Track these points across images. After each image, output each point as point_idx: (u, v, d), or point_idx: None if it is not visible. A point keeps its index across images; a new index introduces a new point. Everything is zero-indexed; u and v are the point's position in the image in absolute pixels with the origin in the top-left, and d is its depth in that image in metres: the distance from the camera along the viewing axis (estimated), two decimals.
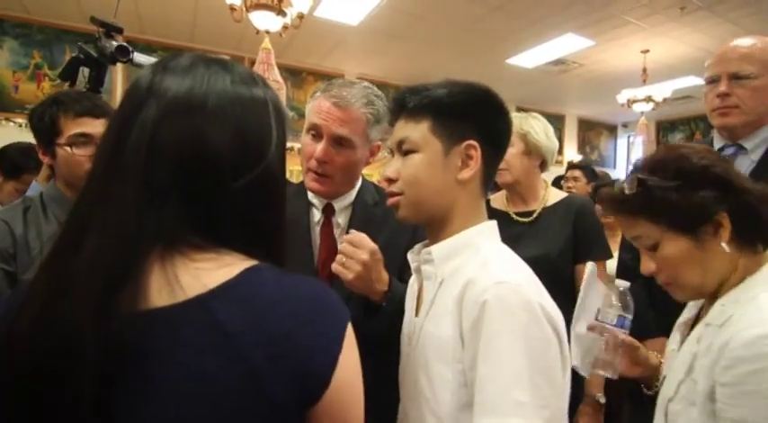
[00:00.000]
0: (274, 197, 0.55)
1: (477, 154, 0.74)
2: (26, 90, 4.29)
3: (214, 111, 0.49)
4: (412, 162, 0.76)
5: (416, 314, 0.81)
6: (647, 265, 0.80)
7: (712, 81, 1.30)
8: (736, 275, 0.75)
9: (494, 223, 0.79)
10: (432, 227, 0.79)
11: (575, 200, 1.55)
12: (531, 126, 1.46)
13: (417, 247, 0.84)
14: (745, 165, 1.27)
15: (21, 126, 4.16)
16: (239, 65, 0.56)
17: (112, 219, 0.45)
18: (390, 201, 0.79)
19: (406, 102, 0.77)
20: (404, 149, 0.77)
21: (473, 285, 0.66)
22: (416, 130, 0.75)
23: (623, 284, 0.97)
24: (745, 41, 1.28)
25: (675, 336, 0.89)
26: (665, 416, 0.78)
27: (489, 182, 0.81)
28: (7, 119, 4.20)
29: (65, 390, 0.40)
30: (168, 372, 0.42)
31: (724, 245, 0.73)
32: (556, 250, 1.41)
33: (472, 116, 0.75)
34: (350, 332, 0.49)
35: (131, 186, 0.46)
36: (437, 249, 0.76)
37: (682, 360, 0.77)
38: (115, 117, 0.51)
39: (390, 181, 0.78)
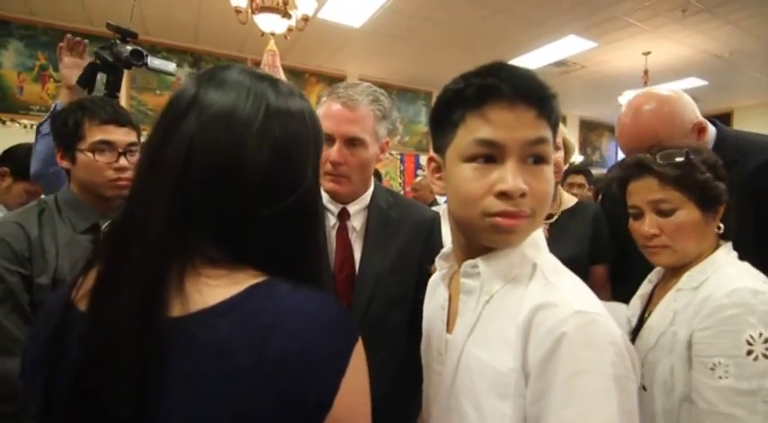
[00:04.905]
0: (308, 223, 0.55)
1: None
2: (31, 91, 4.30)
3: (255, 130, 0.49)
4: None
5: (448, 329, 0.72)
6: (653, 227, 0.92)
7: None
8: (699, 255, 0.92)
9: (540, 232, 0.70)
10: None
11: (589, 205, 1.59)
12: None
13: (446, 252, 0.78)
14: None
15: (26, 127, 4.18)
16: (284, 83, 0.56)
17: (149, 226, 0.47)
18: None
19: None
20: None
21: (545, 313, 0.57)
22: None
23: None
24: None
25: (636, 305, 1.04)
26: (642, 365, 0.90)
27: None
28: (12, 120, 4.21)
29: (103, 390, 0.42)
30: (167, 386, 0.42)
31: (719, 226, 0.91)
32: (584, 252, 1.44)
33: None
34: (357, 353, 0.46)
35: (165, 196, 0.47)
36: (487, 265, 0.66)
37: (662, 317, 0.92)
38: (157, 125, 0.52)
39: None
